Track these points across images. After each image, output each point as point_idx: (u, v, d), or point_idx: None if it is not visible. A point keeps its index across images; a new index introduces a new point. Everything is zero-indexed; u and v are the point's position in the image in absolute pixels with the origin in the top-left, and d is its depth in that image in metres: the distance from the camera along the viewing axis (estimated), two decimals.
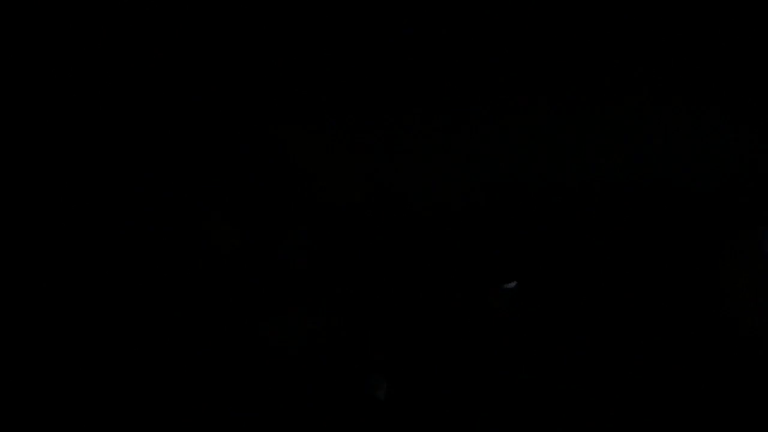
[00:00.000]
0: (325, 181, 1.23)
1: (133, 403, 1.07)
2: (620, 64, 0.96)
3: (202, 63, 0.83)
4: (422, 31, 0.96)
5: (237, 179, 1.31)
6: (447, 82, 1.02)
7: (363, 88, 1.04)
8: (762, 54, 0.90)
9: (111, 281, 1.07)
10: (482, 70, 0.98)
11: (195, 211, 1.19)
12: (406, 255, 1.30)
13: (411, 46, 1.00)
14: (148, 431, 1.04)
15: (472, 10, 0.97)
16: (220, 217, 1.33)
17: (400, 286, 1.33)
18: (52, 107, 0.81)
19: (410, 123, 1.08)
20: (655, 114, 1.00)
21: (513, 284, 1.32)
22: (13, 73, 0.76)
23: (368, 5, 0.93)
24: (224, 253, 1.25)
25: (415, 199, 1.26)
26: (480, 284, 1.34)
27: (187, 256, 1.19)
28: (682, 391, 1.14)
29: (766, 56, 0.91)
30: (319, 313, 1.30)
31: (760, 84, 0.93)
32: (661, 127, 1.02)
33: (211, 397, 1.15)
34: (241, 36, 0.84)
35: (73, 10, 0.71)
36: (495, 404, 1.21)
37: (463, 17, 0.97)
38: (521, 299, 1.29)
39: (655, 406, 1.16)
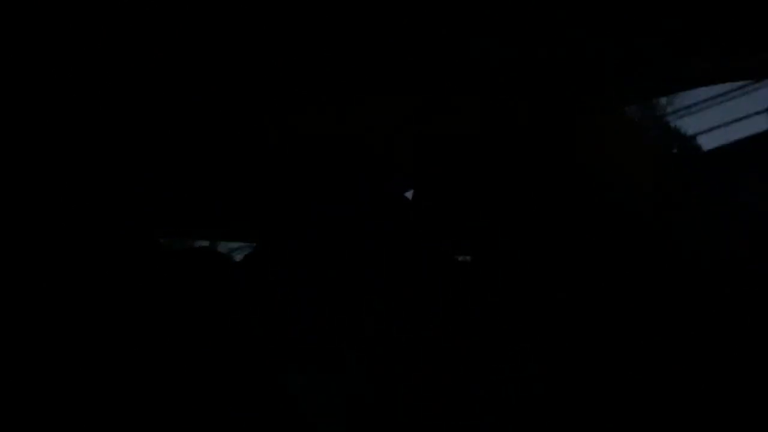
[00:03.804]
0: None
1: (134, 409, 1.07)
2: None
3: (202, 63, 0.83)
4: None
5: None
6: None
7: None
8: None
9: (112, 283, 1.07)
10: None
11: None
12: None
13: None
14: None
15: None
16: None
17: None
18: (51, 107, 0.81)
19: None
20: None
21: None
22: (12, 72, 0.76)
23: None
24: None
25: None
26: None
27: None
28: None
29: None
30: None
31: None
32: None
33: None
34: (247, 36, 0.84)
35: (73, 10, 0.71)
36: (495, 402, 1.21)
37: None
38: None
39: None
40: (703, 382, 1.09)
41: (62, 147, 0.84)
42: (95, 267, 1.03)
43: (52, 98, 0.76)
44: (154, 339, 1.09)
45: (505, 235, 1.25)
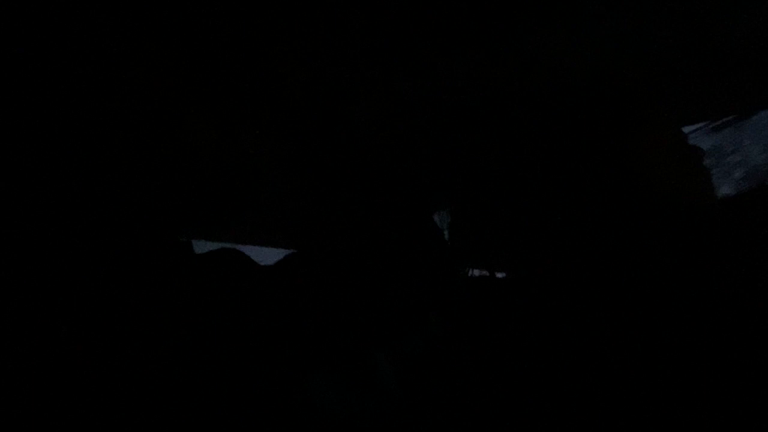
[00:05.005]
0: None
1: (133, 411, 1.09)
2: None
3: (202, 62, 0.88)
4: None
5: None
6: None
7: None
8: None
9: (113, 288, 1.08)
10: None
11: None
12: None
13: None
14: None
15: None
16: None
17: None
18: (50, 106, 0.85)
19: None
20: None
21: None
22: (12, 72, 0.80)
23: None
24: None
25: None
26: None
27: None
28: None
29: None
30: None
31: None
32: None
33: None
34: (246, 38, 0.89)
35: (72, 9, 0.76)
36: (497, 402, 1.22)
37: None
38: None
39: None
40: (704, 382, 1.07)
41: (73, 147, 0.89)
42: (112, 267, 1.08)
43: (57, 98, 0.81)
44: (171, 340, 1.13)
45: (509, 236, 1.27)
